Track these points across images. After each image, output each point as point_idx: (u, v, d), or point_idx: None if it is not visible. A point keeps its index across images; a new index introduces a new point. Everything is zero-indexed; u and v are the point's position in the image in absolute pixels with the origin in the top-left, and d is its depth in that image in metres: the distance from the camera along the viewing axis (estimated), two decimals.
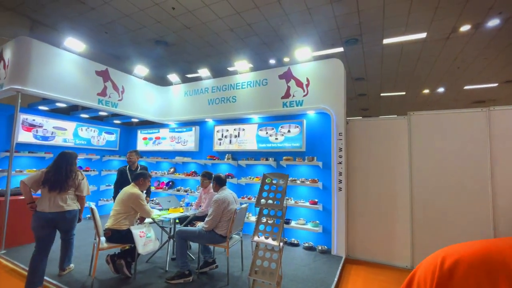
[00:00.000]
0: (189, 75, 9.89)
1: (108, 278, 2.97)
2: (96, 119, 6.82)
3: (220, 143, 5.49)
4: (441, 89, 10.54)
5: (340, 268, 3.46)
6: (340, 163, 4.03)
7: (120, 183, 4.03)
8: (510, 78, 9.11)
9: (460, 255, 0.54)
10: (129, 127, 7.35)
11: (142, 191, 3.30)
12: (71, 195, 2.98)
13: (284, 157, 4.69)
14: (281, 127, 4.80)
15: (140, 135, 6.90)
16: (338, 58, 4.50)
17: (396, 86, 10.27)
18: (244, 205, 3.40)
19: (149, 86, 6.13)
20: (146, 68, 5.90)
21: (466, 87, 10.15)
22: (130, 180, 3.62)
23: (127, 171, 4.19)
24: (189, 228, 3.20)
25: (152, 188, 6.21)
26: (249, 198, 4.87)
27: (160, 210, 3.76)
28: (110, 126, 6.76)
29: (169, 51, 8.33)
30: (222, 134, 5.48)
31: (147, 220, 3.37)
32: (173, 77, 6.17)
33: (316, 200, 4.33)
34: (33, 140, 5.18)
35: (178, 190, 5.89)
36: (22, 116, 5.02)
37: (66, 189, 2.89)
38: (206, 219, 3.04)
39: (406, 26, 6.11)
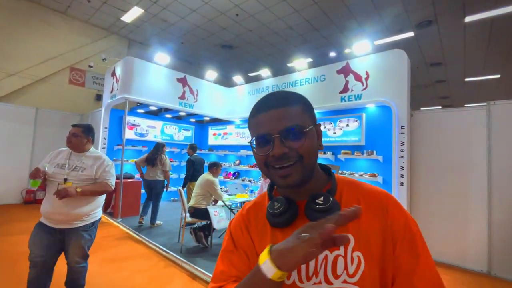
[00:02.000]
0: (251, 74, 10.56)
1: (192, 246, 3.75)
2: (177, 118, 8.09)
3: None
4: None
5: None
6: (402, 157, 3.91)
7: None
8: None
9: None
10: (202, 124, 8.44)
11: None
12: (159, 170, 4.68)
13: (342, 151, 4.77)
14: (339, 121, 4.87)
15: (211, 131, 7.88)
16: (408, 44, 4.27)
17: (486, 68, 8.72)
18: None
19: (217, 88, 6.96)
20: (215, 72, 6.71)
21: None
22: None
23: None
24: None
25: (221, 178, 7.08)
26: None
27: (229, 195, 4.41)
28: (187, 123, 7.93)
29: (233, 53, 9.10)
30: None
31: (219, 202, 4.04)
32: (237, 78, 6.84)
33: None
34: (134, 137, 6.60)
35: (243, 180, 6.57)
36: (128, 118, 6.45)
37: (155, 165, 4.61)
38: None
39: None
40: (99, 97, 7.71)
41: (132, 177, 5.82)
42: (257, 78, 7.60)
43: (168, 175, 4.83)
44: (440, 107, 13.29)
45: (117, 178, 5.44)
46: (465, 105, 4.58)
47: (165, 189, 4.89)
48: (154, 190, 4.74)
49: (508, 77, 9.22)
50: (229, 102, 7.07)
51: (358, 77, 4.51)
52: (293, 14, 6.48)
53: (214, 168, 3.97)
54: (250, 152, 6.53)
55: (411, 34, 6.85)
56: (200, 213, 3.70)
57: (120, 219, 4.98)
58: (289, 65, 9.34)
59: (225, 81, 10.15)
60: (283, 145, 0.55)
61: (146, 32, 7.95)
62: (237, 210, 4.30)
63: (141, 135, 6.77)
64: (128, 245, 3.93)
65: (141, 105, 6.64)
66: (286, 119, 0.56)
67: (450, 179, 3.68)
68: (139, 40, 8.52)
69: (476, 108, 3.59)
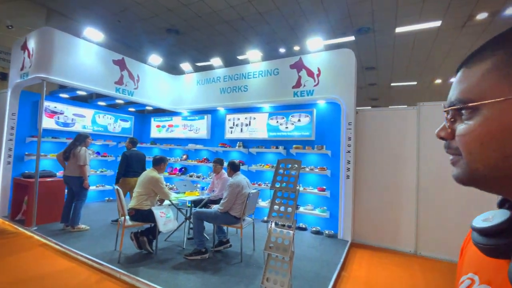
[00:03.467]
0: (199, 64, 9.98)
1: (133, 253, 3.26)
2: (112, 107, 7.07)
3: (231, 131, 5.67)
4: (454, 79, 10.38)
5: (346, 250, 3.66)
6: (348, 152, 4.16)
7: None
8: None
9: None
10: (143, 115, 7.58)
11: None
12: (74, 164, 4.05)
13: (294, 146, 4.84)
14: (291, 116, 4.92)
15: (154, 122, 7.13)
16: (349, 47, 4.53)
17: (407, 76, 10.14)
18: (255, 191, 3.60)
19: (162, 75, 6.30)
20: (159, 57, 6.04)
21: None
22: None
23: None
24: (206, 209, 3.43)
25: (166, 174, 6.49)
26: (259, 185, 5.08)
27: (176, 193, 4.00)
28: (125, 113, 7.00)
29: (180, 39, 8.41)
30: (234, 123, 5.64)
31: (166, 202, 3.62)
32: (185, 66, 6.30)
33: (324, 187, 4.50)
34: (55, 126, 5.47)
35: (191, 176, 6.14)
36: (45, 104, 5.28)
37: (69, 158, 4.07)
38: (222, 201, 3.26)
39: (420, 14, 6.02)
40: (3, 76, 6.14)
41: (53, 175, 4.80)
42: (207, 68, 7.17)
43: (84, 170, 4.09)
44: (370, 107, 15.00)
45: (30, 177, 4.46)
46: (390, 106, 5.15)
47: (84, 187, 4.14)
48: (74, 189, 4.14)
49: (423, 84, 10.94)
50: (175, 92, 6.49)
51: (310, 73, 4.60)
52: (246, 4, 6.28)
53: (162, 164, 3.52)
54: (199, 146, 6.14)
55: (352, 38, 7.43)
56: (143, 215, 3.23)
57: (35, 227, 4.04)
58: (239, 57, 9.13)
59: (171, 68, 9.35)
60: None
61: (71, 2, 6.65)
62: (186, 209, 3.96)
63: (65, 124, 5.66)
64: (46, 259, 3.19)
65: (65, 88, 5.53)
66: None
67: (387, 172, 4.07)
68: (62, 11, 7.10)
69: (409, 108, 4.03)
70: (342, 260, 3.32)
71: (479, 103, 0.34)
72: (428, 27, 6.49)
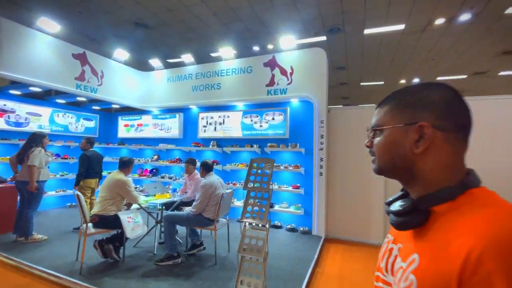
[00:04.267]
0: (170, 60, 9.60)
1: (97, 263, 3.02)
2: (74, 105, 6.54)
3: (205, 130, 5.52)
4: (416, 80, 11.09)
5: (320, 246, 3.73)
6: (321, 149, 4.24)
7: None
8: (478, 70, 9.75)
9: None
10: (109, 114, 7.12)
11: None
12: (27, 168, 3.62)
13: (268, 144, 4.83)
14: (265, 114, 4.90)
15: (121, 121, 6.72)
16: (321, 47, 4.61)
17: (375, 76, 10.64)
18: (229, 191, 3.52)
19: (130, 71, 5.94)
20: (126, 52, 5.69)
21: (438, 78, 10.75)
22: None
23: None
24: (177, 212, 3.29)
25: (135, 176, 6.16)
26: (234, 184, 5.00)
27: (146, 196, 3.79)
28: (88, 112, 6.51)
29: (150, 34, 8.00)
30: (207, 121, 5.50)
31: (134, 206, 3.40)
32: (155, 62, 6.02)
33: (298, 184, 4.54)
34: (5, 127, 4.91)
35: (163, 177, 5.89)
36: None
37: (23, 161, 3.65)
38: (194, 203, 3.14)
39: (386, 18, 6.31)
40: None
41: (4, 181, 4.31)
42: (178, 65, 6.90)
43: (32, 170, 3.54)
44: (342, 106, 15.57)
45: None
46: (360, 105, 5.37)
47: (32, 191, 3.62)
48: (25, 195, 3.70)
49: (388, 84, 11.57)
50: (145, 89, 6.17)
51: (283, 71, 4.62)
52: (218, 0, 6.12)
53: (130, 165, 3.31)
54: (171, 146, 5.90)
55: (324, 38, 7.60)
56: (108, 222, 3.00)
57: None
58: (212, 54, 8.93)
59: (140, 65, 8.86)
60: None
61: None
62: (156, 213, 3.77)
63: (18, 124, 5.11)
64: None
65: (16, 84, 4.99)
66: None
67: (358, 169, 4.21)
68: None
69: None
70: (316, 256, 3.37)
71: (382, 128, 0.58)
72: (393, 30, 6.84)
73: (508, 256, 0.36)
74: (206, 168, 3.38)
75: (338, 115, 4.41)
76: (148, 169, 6.32)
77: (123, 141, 6.75)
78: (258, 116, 4.96)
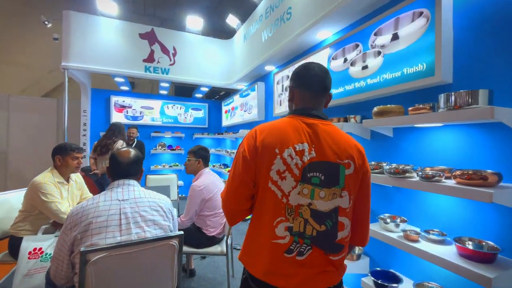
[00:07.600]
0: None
1: None
2: (178, 96, 6.47)
3: (280, 102, 3.21)
4: None
5: None
6: None
7: None
8: None
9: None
10: (217, 102, 6.52)
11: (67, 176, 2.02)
12: None
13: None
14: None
15: (224, 108, 5.86)
16: None
17: None
18: None
19: (207, 42, 4.81)
20: (199, 17, 4.58)
21: None
22: None
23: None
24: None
25: (223, 169, 4.99)
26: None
27: None
28: (196, 101, 6.23)
29: None
30: (283, 86, 3.15)
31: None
32: (231, 20, 4.44)
33: None
34: (124, 121, 5.46)
35: None
36: (114, 98, 5.38)
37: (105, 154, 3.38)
38: None
39: None
40: None
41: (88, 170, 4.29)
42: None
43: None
44: None
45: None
46: None
47: None
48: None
49: None
50: (227, 61, 4.83)
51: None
52: None
53: (58, 157, 2.01)
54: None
55: None
56: (12, 248, 1.85)
57: None
58: None
59: (219, 32, 6.41)
60: None
61: None
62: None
63: (134, 118, 5.58)
64: None
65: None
66: None
67: None
68: None
69: None
70: None
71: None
72: None
73: None
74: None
75: None
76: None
77: (227, 129, 5.87)
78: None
